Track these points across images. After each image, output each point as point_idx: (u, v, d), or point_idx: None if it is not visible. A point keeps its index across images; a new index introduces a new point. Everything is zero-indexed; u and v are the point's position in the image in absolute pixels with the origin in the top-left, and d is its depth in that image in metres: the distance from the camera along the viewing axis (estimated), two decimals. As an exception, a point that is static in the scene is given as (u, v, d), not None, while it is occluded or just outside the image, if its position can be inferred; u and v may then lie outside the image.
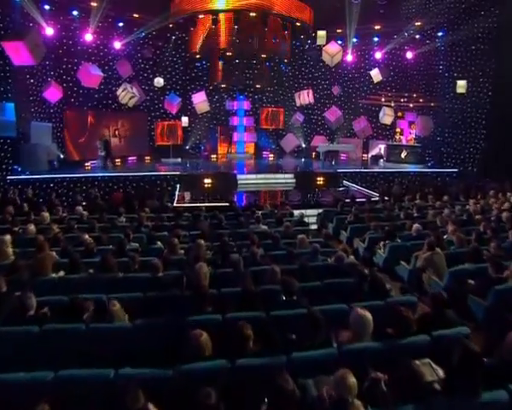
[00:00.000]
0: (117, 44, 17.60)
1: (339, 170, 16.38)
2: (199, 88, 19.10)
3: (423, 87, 19.22)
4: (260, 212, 10.27)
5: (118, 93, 16.74)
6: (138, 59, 18.75)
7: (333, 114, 19.94)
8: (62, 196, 12.96)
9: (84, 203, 10.98)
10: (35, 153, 14.68)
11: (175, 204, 11.78)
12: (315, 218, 10.86)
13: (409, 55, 18.88)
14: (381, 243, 8.16)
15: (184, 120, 19.18)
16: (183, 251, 7.03)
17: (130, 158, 18.78)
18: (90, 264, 6.14)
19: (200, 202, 12.25)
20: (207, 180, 14.66)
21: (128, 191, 12.65)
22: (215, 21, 16.64)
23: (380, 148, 20.22)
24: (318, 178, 15.61)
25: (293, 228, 8.48)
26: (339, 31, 18.79)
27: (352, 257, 6.77)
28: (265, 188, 14.87)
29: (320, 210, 11.80)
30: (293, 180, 15.37)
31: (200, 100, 17.89)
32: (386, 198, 12.34)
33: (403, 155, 18.00)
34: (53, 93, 15.60)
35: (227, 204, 11.20)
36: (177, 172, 15.02)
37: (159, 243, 7.61)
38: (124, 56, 17.98)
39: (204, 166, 17.46)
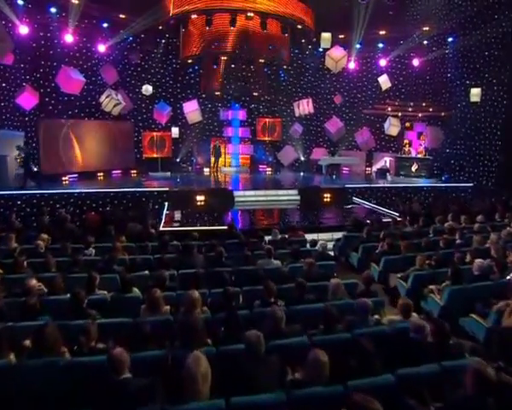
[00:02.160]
0: (101, 47, 15.54)
1: (347, 185, 14.35)
2: (191, 96, 17.49)
3: (431, 96, 17.44)
4: (267, 238, 7.99)
5: (101, 100, 14.58)
6: (125, 64, 16.83)
7: (334, 125, 18.37)
8: (29, 217, 10.45)
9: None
10: (2, 165, 12.21)
11: (162, 227, 9.43)
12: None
13: (415, 62, 17.10)
14: (433, 286, 5.92)
15: (175, 131, 17.51)
16: (168, 308, 4.67)
17: (114, 172, 16.65)
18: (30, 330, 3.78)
19: (192, 226, 10.07)
20: (200, 197, 12.58)
21: (105, 212, 10.20)
22: (209, 22, 14.63)
23: (385, 161, 18.27)
24: (325, 195, 13.63)
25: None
26: (341, 36, 16.86)
27: (414, 315, 4.48)
28: (266, 206, 12.84)
29: (335, 234, 9.71)
30: (298, 197, 13.34)
31: (191, 109, 16.31)
32: (408, 218, 10.17)
33: (413, 169, 16.15)
34: (27, 99, 13.49)
35: (225, 228, 8.89)
36: (166, 188, 12.92)
37: (135, 290, 5.25)
38: (109, 61, 16.00)
39: (196, 181, 15.46)
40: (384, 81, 15.74)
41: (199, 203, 12.48)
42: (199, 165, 18.44)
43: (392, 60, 17.63)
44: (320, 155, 18.51)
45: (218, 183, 14.72)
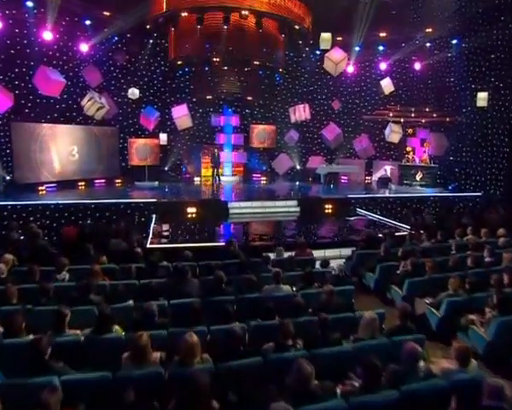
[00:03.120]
0: (83, 47, 14.53)
1: (349, 195, 13.65)
2: (180, 101, 16.62)
3: (433, 101, 16.95)
4: (272, 255, 7.07)
5: (83, 103, 13.60)
6: (109, 65, 15.89)
7: (331, 132, 17.78)
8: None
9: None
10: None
11: (149, 244, 8.42)
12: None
13: (417, 65, 16.63)
14: (474, 316, 5.04)
15: (163, 138, 16.77)
16: (158, 355, 3.68)
17: (97, 181, 15.73)
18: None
19: (183, 242, 9.11)
20: (191, 209, 11.74)
21: (84, 226, 9.12)
22: (200, 21, 13.74)
23: (385, 169, 17.82)
24: (326, 206, 12.94)
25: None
26: (339, 38, 16.18)
27: (474, 362, 3.56)
28: (263, 218, 12.03)
29: (343, 251, 9.01)
30: (297, 209, 12.59)
31: (181, 114, 15.48)
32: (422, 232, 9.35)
33: (418, 177, 15.52)
34: (0, 101, 12.24)
35: (222, 245, 7.95)
36: (154, 199, 12.00)
37: (117, 328, 4.26)
38: (92, 62, 14.94)
39: (186, 192, 14.56)
40: (387, 85, 15.09)
41: (190, 215, 11.65)
42: (189, 174, 17.68)
43: (393, 63, 17.12)
44: (317, 164, 17.92)
45: (217, 193, 13.81)
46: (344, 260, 8.35)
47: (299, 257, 7.31)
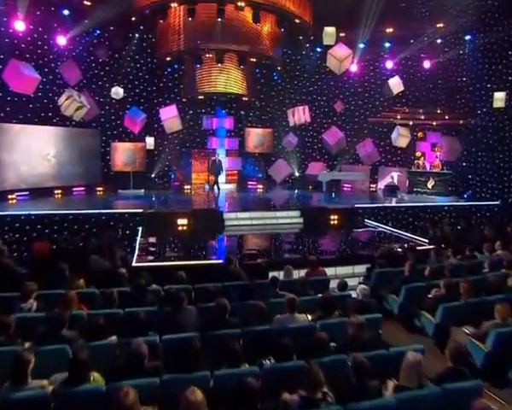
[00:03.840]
0: (61, 40, 13.82)
1: (356, 205, 13.12)
2: (168, 101, 16.36)
3: (444, 102, 16.56)
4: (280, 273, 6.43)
5: (60, 102, 12.96)
6: (90, 62, 15.40)
7: (333, 136, 17.50)
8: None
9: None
10: None
11: (135, 262, 7.67)
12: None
13: (426, 64, 16.17)
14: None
15: (149, 142, 16.36)
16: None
17: (76, 189, 15.18)
18: None
19: (175, 259, 8.39)
20: (182, 220, 11.08)
21: (59, 241, 8.33)
22: (192, 13, 13.28)
23: (392, 176, 17.36)
24: (332, 217, 12.34)
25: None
26: (342, 34, 15.79)
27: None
28: (263, 230, 11.44)
29: (356, 268, 8.47)
30: (300, 220, 12.02)
31: (169, 116, 15.33)
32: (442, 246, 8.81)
33: (430, 185, 15.00)
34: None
35: (220, 262, 7.27)
36: (140, 210, 11.35)
37: (96, 376, 3.54)
38: (71, 57, 14.36)
39: (176, 201, 14.06)
40: (395, 84, 14.69)
41: (180, 228, 11.00)
42: (178, 181, 17.23)
43: (401, 61, 16.74)
44: (317, 171, 17.53)
45: (216, 205, 13.21)
46: (360, 280, 7.70)
47: (310, 277, 6.63)
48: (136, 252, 8.42)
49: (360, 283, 7.51)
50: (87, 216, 10.72)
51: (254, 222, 11.56)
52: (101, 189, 15.61)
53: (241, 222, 11.47)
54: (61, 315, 4.44)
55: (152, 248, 9.07)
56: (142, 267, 7.34)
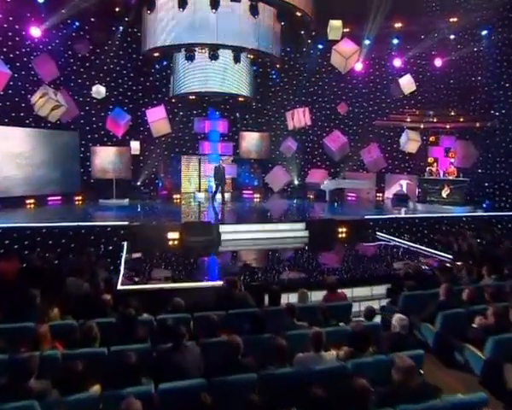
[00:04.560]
0: (35, 31, 13.39)
1: (366, 216, 12.81)
2: (156, 102, 16.09)
3: (456, 103, 16.38)
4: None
5: (33, 100, 12.40)
6: (69, 57, 15.11)
7: (335, 141, 17.24)
8: None
9: None
10: None
11: (120, 285, 6.95)
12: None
13: (438, 62, 15.93)
14: None
15: (134, 146, 16.23)
16: None
17: (51, 198, 14.75)
18: None
19: (167, 280, 7.68)
20: (173, 234, 10.57)
21: (29, 259, 7.57)
22: (183, 3, 12.93)
23: (401, 184, 17.07)
24: (340, 229, 11.94)
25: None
26: (346, 30, 15.36)
27: None
28: (265, 245, 10.92)
29: (374, 289, 7.89)
30: (305, 233, 11.56)
31: (157, 118, 14.90)
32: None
33: (444, 194, 14.64)
34: None
35: (221, 285, 6.64)
36: (124, 222, 10.81)
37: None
38: (46, 50, 14.06)
39: (164, 212, 13.63)
40: (407, 83, 14.34)
41: (171, 243, 10.47)
42: (166, 190, 16.99)
43: (410, 59, 16.56)
44: (318, 178, 17.40)
45: (221, 217, 12.84)
46: (383, 303, 7.07)
47: (330, 302, 5.96)
48: (122, 272, 7.67)
49: (396, 312, 6.70)
50: (63, 229, 10.08)
51: (254, 236, 11.10)
52: (79, 198, 15.24)
53: (240, 236, 10.97)
54: (29, 359, 3.68)
55: (139, 268, 8.29)
56: (130, 291, 6.65)
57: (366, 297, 7.68)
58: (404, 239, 11.65)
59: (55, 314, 5.06)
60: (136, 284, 7.09)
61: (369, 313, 5.52)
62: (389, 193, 17.50)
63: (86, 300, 5.72)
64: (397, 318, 4.89)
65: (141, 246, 9.77)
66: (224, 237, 10.71)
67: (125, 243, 9.78)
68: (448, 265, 7.87)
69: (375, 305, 7.38)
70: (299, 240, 11.40)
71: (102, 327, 4.64)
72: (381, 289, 7.87)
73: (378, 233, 12.10)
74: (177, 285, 6.98)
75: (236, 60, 14.32)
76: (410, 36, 15.97)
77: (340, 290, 6.34)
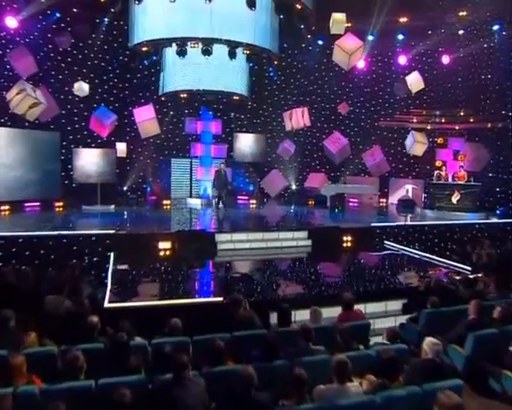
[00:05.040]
0: (11, 22, 13.13)
1: (373, 224, 12.61)
2: (144, 100, 15.86)
3: (465, 103, 16.42)
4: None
5: (9, 97, 11.88)
6: (49, 51, 14.97)
7: (336, 143, 17.10)
8: None
9: None
10: None
11: (108, 302, 6.50)
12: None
13: (446, 59, 16.03)
14: None
15: (121, 148, 16.15)
16: None
17: (28, 204, 14.46)
18: None
19: (160, 296, 7.25)
20: (164, 244, 10.19)
21: (3, 274, 7.07)
22: (174, -7, 12.48)
23: (407, 189, 16.96)
24: (345, 238, 11.65)
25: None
26: (348, 25, 15.15)
27: None
28: (264, 255, 10.62)
29: (389, 304, 7.60)
30: (308, 242, 11.32)
31: (145, 117, 14.59)
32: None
33: (454, 200, 14.42)
34: None
35: (221, 301, 6.28)
36: (110, 231, 10.41)
37: None
38: (23, 43, 13.82)
39: (154, 220, 13.47)
40: (415, 81, 14.17)
41: (162, 253, 10.08)
42: (155, 195, 16.84)
43: (416, 56, 16.65)
44: (317, 183, 17.28)
45: (221, 225, 12.50)
46: (404, 321, 6.68)
47: (346, 322, 5.54)
48: (109, 287, 7.19)
49: (419, 331, 6.42)
50: (42, 239, 9.64)
51: (253, 245, 10.79)
52: (60, 204, 14.90)
53: (237, 245, 10.66)
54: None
55: (126, 281, 7.83)
56: (119, 309, 6.17)
57: (380, 314, 7.33)
58: (414, 248, 11.37)
59: (32, 340, 4.58)
60: (128, 301, 6.60)
61: (393, 335, 5.12)
62: (393, 198, 17.43)
63: (69, 322, 5.25)
64: (428, 342, 4.48)
65: (129, 257, 9.40)
66: (220, 246, 10.41)
67: (112, 254, 9.37)
68: (472, 277, 7.50)
69: (390, 322, 7.15)
70: (302, 249, 11.14)
71: (89, 354, 4.16)
72: (395, 305, 7.59)
73: (386, 242, 11.82)
74: (172, 302, 6.51)
75: (232, 55, 13.99)
76: (416, 31, 16.03)
77: (358, 309, 5.99)
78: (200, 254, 9.94)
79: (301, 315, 6.39)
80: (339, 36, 13.45)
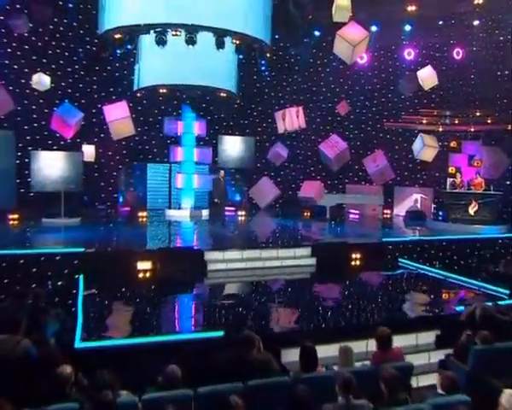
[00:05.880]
0: None
1: (385, 239, 12.42)
2: (115, 97, 15.65)
3: (478, 103, 16.55)
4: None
5: None
6: (1, 36, 14.71)
7: (333, 148, 16.94)
8: None
9: None
10: None
11: (82, 342, 5.77)
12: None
13: (457, 53, 16.36)
14: None
15: (88, 151, 15.82)
16: None
17: None
18: None
19: (145, 330, 6.56)
20: (144, 264, 9.69)
21: None
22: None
23: (416, 199, 17.00)
24: (353, 255, 11.36)
25: None
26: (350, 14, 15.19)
27: None
28: (263, 276, 10.27)
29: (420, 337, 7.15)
30: (313, 260, 10.97)
31: (118, 116, 14.24)
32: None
33: (472, 211, 14.16)
34: None
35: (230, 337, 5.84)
36: (78, 249, 9.87)
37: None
38: None
39: (130, 235, 12.94)
40: (428, 76, 13.93)
41: (142, 275, 9.56)
42: (128, 206, 16.67)
43: (424, 50, 16.86)
44: (312, 192, 16.87)
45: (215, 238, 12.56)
46: (443, 357, 6.18)
47: (383, 363, 4.90)
48: (80, 320, 6.44)
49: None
50: None
51: (249, 265, 10.41)
52: (15, 217, 14.48)
53: (230, 265, 10.26)
54: None
55: (104, 312, 7.15)
56: (95, 351, 5.44)
57: (409, 349, 6.79)
58: (433, 267, 11.06)
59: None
60: (103, 338, 5.84)
61: (451, 385, 4.48)
62: (399, 210, 17.44)
63: (29, 371, 4.48)
64: (508, 395, 3.88)
65: (102, 280, 8.85)
66: (210, 266, 9.96)
67: (81, 277, 8.80)
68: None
69: (423, 359, 6.78)
70: (305, 269, 10.83)
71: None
72: (427, 337, 7.13)
73: (400, 260, 11.52)
74: (162, 339, 5.89)
75: (219, 46, 13.56)
76: (425, 21, 16.00)
77: (397, 348, 5.39)
78: (188, 276, 9.47)
79: (322, 352, 5.80)
80: (340, 26, 13.39)
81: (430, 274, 10.73)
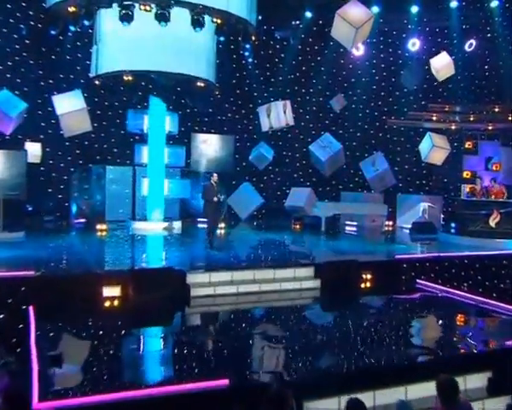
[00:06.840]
0: None
1: (398, 256, 12.27)
2: (66, 85, 15.44)
3: (493, 97, 16.78)
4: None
5: None
6: None
7: (326, 148, 17.08)
8: None
9: None
10: None
11: (36, 402, 4.84)
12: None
13: (470, 42, 16.43)
14: None
15: (33, 150, 15.71)
16: None
17: None
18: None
19: (123, 380, 5.86)
20: (111, 290, 9.05)
21: None
22: None
23: (424, 209, 16.83)
24: (364, 276, 10.97)
25: None
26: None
27: None
28: (257, 303, 9.98)
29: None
30: (316, 282, 10.58)
31: (71, 108, 14.13)
32: None
33: (493, 222, 14.06)
34: None
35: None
36: (24, 272, 9.06)
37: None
38: None
39: (87, 254, 12.32)
40: (443, 65, 13.83)
41: (108, 304, 8.90)
42: (83, 217, 16.45)
43: (431, 36, 16.99)
44: (302, 200, 16.65)
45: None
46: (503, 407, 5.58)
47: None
48: (35, 369, 5.55)
49: None
50: None
51: (241, 289, 9.87)
52: None
53: (219, 290, 9.70)
54: None
55: (65, 356, 6.27)
56: None
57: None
58: (456, 288, 10.68)
59: None
60: (68, 395, 4.97)
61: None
62: (404, 221, 17.34)
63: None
64: None
65: (59, 311, 8.08)
66: (194, 292, 9.34)
67: (31, 309, 7.94)
68: None
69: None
70: (308, 294, 10.40)
71: None
72: (476, 381, 6.49)
73: (418, 281, 11.16)
74: (146, 392, 5.05)
75: (196, 25, 13.26)
76: (434, 4, 16.03)
77: (463, 398, 4.75)
78: (166, 304, 8.80)
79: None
80: (340, 5, 13.10)
81: (456, 298, 10.27)
